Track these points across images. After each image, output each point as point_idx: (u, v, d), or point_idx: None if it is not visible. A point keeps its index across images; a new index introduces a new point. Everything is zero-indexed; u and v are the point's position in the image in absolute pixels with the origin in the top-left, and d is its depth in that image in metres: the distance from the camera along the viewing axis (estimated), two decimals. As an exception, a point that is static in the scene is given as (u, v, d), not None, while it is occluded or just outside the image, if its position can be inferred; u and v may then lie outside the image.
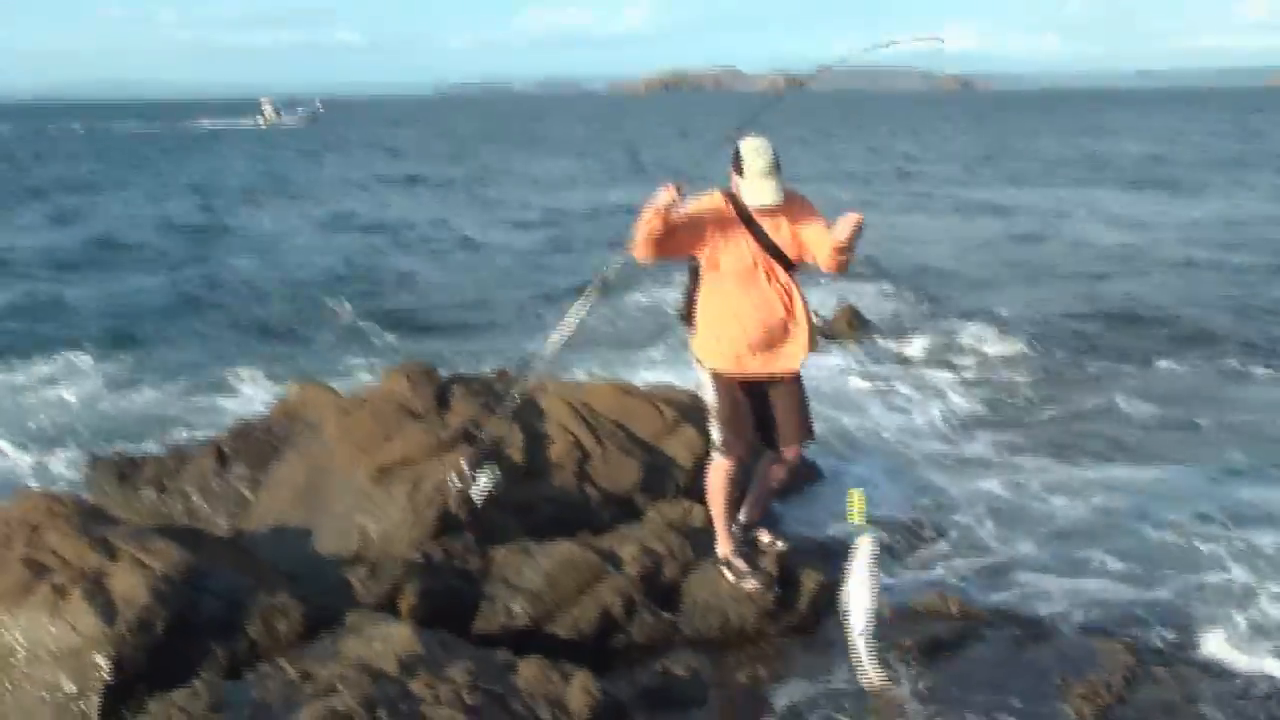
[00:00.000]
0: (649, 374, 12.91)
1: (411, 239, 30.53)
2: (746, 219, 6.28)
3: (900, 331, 17.02)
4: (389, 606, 6.64)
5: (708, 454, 8.43)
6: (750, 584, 6.82)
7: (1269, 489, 9.75)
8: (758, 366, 6.49)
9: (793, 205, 6.27)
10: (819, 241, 6.18)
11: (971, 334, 16.51)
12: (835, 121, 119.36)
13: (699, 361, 6.65)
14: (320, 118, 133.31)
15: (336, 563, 7.27)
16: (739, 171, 6.16)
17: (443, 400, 8.49)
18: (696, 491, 8.25)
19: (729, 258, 6.31)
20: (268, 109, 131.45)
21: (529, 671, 5.59)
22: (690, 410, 9.13)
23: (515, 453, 8.11)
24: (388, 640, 5.72)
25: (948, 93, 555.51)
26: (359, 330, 18.34)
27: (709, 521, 7.11)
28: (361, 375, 14.12)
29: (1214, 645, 6.87)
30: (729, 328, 6.44)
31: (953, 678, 6.18)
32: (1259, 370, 14.30)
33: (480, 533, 7.41)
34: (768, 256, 6.30)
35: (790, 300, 6.41)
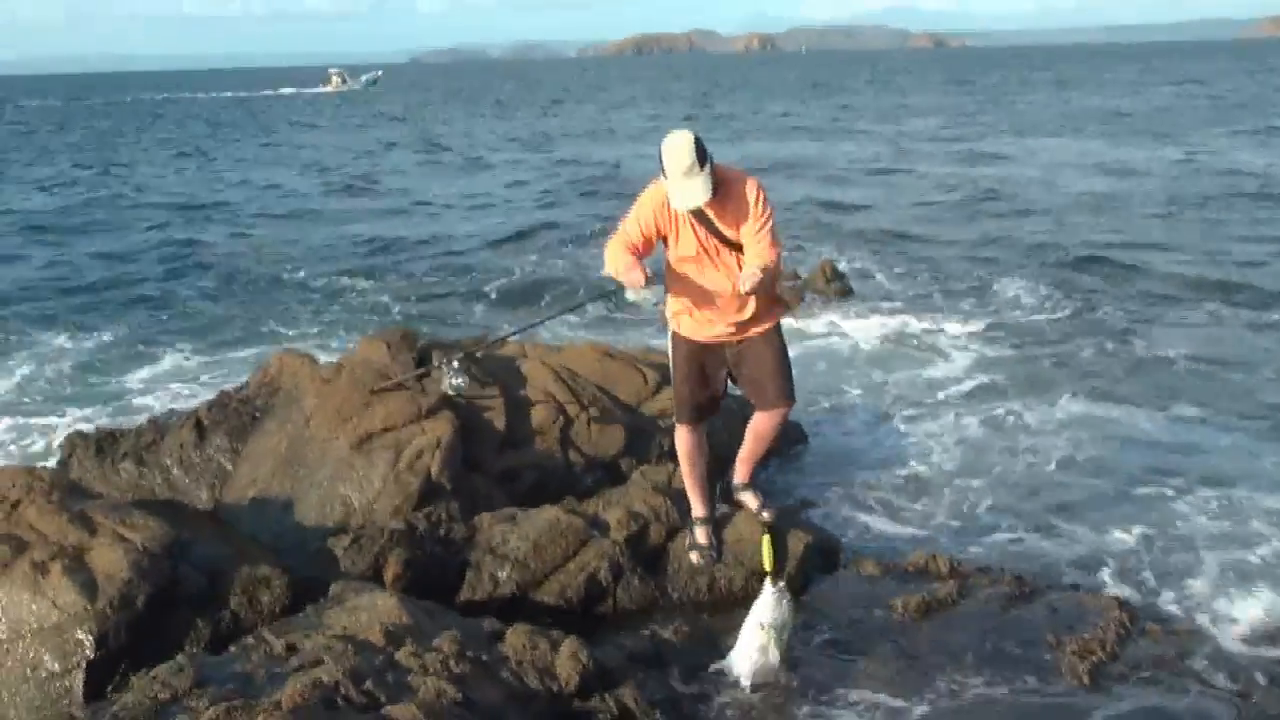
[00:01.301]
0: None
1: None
2: (692, 210, 6.15)
3: (882, 287, 17.03)
4: (373, 577, 6.58)
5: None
6: (694, 554, 6.81)
7: (1260, 444, 9.73)
8: (721, 332, 6.46)
9: (731, 196, 6.10)
10: (747, 258, 6.16)
11: (956, 290, 16.51)
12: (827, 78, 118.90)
13: (666, 323, 6.66)
14: (381, 82, 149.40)
15: (319, 533, 7.21)
16: (664, 172, 6.00)
17: (422, 366, 8.40)
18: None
19: (678, 246, 6.26)
20: (335, 78, 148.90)
21: (516, 639, 5.53)
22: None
23: (497, 419, 8.04)
24: (373, 610, 5.66)
25: (921, 50, 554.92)
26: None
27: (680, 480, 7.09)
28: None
29: (1205, 601, 6.88)
30: (685, 298, 6.41)
31: (945, 637, 6.15)
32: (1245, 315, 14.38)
33: (464, 500, 7.36)
34: (714, 240, 6.20)
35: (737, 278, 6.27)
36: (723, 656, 5.91)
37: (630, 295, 6.12)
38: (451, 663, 5.22)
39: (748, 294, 6.07)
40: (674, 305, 6.51)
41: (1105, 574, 7.27)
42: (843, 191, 29.26)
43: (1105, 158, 34.53)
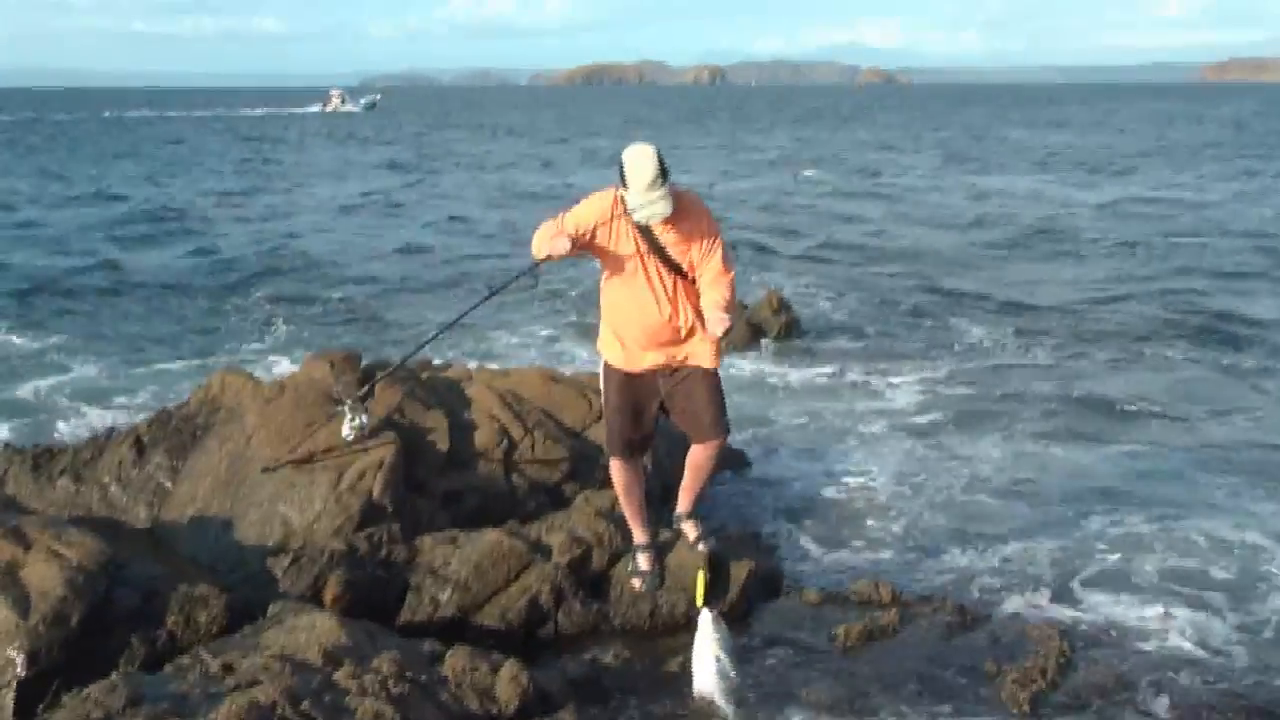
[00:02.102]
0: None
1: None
2: (639, 225, 6.05)
3: (829, 318, 17.11)
4: (313, 598, 6.50)
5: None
6: (635, 580, 6.77)
7: (1201, 476, 9.84)
8: (651, 361, 6.36)
9: (687, 217, 6.04)
10: (703, 288, 6.10)
11: (904, 323, 16.61)
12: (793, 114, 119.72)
13: (599, 351, 6.61)
14: (379, 105, 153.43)
15: (259, 553, 7.12)
16: (624, 183, 5.91)
17: (366, 386, 8.33)
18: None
19: (616, 260, 6.17)
20: (335, 99, 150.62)
21: (456, 661, 5.50)
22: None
23: (441, 441, 8.00)
24: (311, 631, 5.61)
25: (870, 86, 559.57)
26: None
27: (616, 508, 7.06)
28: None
29: (1146, 630, 6.92)
30: (617, 323, 6.36)
31: (887, 665, 6.16)
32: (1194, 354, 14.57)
33: (406, 522, 7.30)
34: (656, 259, 6.11)
35: (681, 306, 6.21)
36: (663, 683, 5.90)
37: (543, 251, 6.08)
38: (390, 684, 5.18)
39: (716, 336, 5.99)
40: (605, 332, 6.46)
41: (1045, 602, 7.30)
42: (792, 220, 29.51)
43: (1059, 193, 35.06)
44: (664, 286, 6.15)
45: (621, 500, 6.76)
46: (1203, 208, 31.68)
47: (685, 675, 6.03)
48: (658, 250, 6.06)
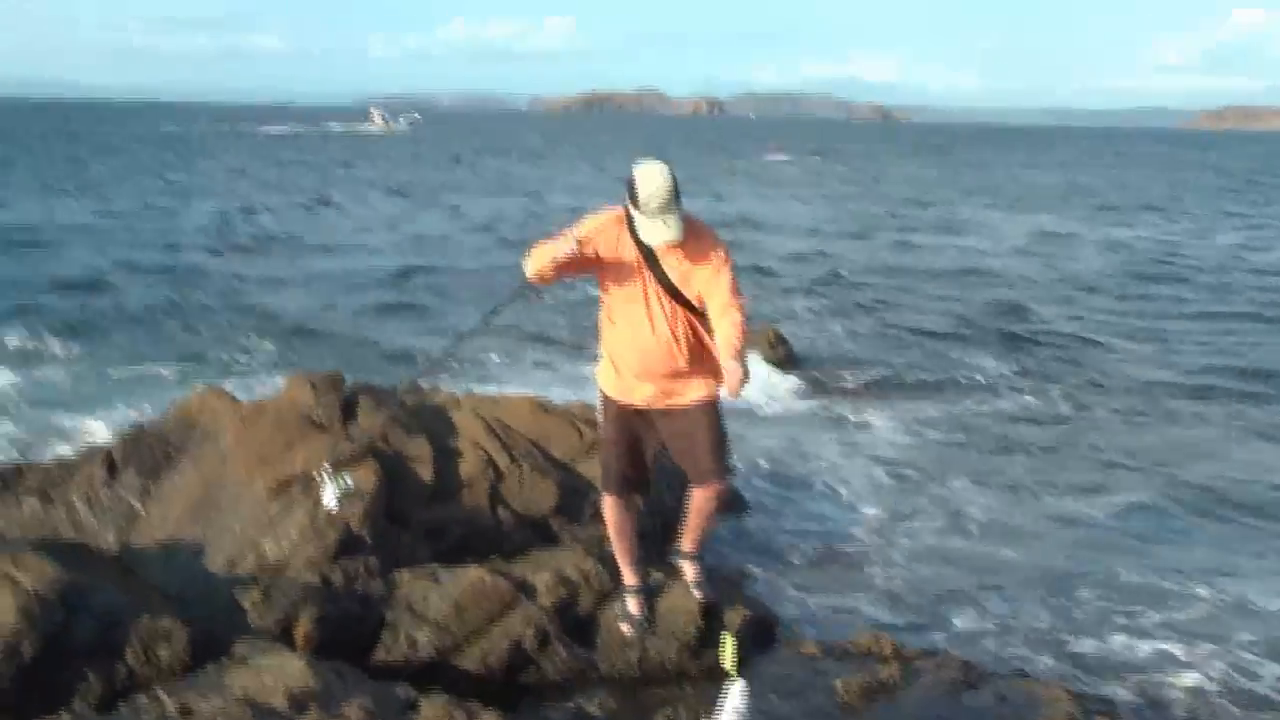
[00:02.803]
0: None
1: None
2: (644, 247, 5.68)
3: (828, 354, 16.83)
4: (283, 633, 6.17)
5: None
6: (624, 625, 6.41)
7: (1199, 529, 9.56)
8: (648, 397, 5.94)
9: (694, 243, 5.64)
10: (713, 320, 5.65)
11: (906, 362, 16.30)
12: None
13: (596, 380, 6.22)
14: (418, 125, 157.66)
15: (229, 584, 6.78)
16: (633, 201, 5.53)
17: (349, 411, 8.01)
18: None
19: (616, 284, 5.79)
20: (376, 117, 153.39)
21: (431, 711, 5.17)
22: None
23: (424, 470, 7.67)
24: (278, 672, 5.27)
25: (867, 122, 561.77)
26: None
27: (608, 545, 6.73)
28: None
29: (1153, 689, 6.63)
30: (614, 349, 5.98)
31: (885, 721, 5.81)
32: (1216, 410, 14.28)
33: (385, 555, 6.97)
34: (657, 284, 5.71)
35: (682, 337, 5.79)
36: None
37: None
38: (360, 733, 4.84)
39: (736, 388, 5.41)
40: (603, 359, 6.09)
41: (1052, 660, 7.01)
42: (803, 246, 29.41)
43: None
44: (663, 313, 5.74)
45: (612, 539, 6.39)
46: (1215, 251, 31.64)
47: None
48: (660, 275, 5.68)
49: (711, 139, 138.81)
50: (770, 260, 27.06)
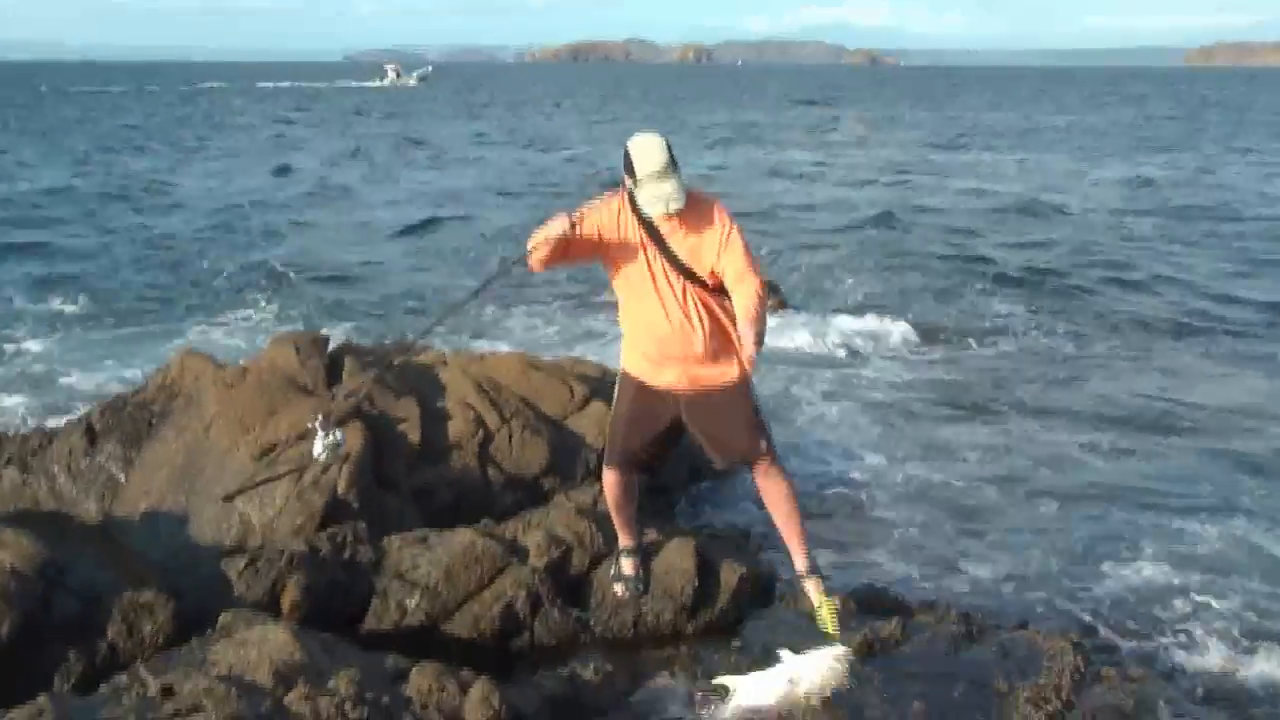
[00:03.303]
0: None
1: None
2: (646, 225, 5.47)
3: (831, 297, 16.70)
4: (270, 603, 6.00)
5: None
6: (618, 586, 6.25)
7: (1216, 475, 9.42)
8: (672, 381, 5.73)
9: (698, 215, 5.43)
10: (730, 291, 5.41)
11: (908, 303, 16.16)
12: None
13: (621, 362, 6.01)
14: (430, 78, 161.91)
15: (214, 554, 6.62)
16: (630, 174, 5.35)
17: (333, 372, 7.85)
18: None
19: (624, 267, 5.58)
20: (390, 71, 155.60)
21: (421, 680, 5.00)
22: (601, 385, 8.59)
23: (412, 432, 7.51)
24: (263, 645, 5.09)
25: (856, 67, 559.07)
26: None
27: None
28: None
29: (1161, 642, 6.53)
30: (633, 335, 5.78)
31: (889, 681, 5.63)
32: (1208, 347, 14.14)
33: (373, 520, 6.81)
34: (665, 262, 5.49)
35: (697, 317, 5.55)
36: (647, 701, 5.43)
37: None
38: (348, 707, 4.69)
39: (751, 358, 5.24)
40: (625, 342, 5.88)
41: (1055, 610, 6.90)
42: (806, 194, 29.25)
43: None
44: (674, 293, 5.51)
45: (610, 509, 6.20)
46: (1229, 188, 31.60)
47: (671, 691, 5.57)
48: (666, 253, 5.46)
49: (717, 90, 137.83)
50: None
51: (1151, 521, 8.31)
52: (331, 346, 8.46)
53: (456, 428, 7.71)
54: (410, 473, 7.39)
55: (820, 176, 35.85)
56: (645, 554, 6.36)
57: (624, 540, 6.33)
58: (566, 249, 5.48)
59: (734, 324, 5.46)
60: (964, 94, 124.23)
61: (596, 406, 8.17)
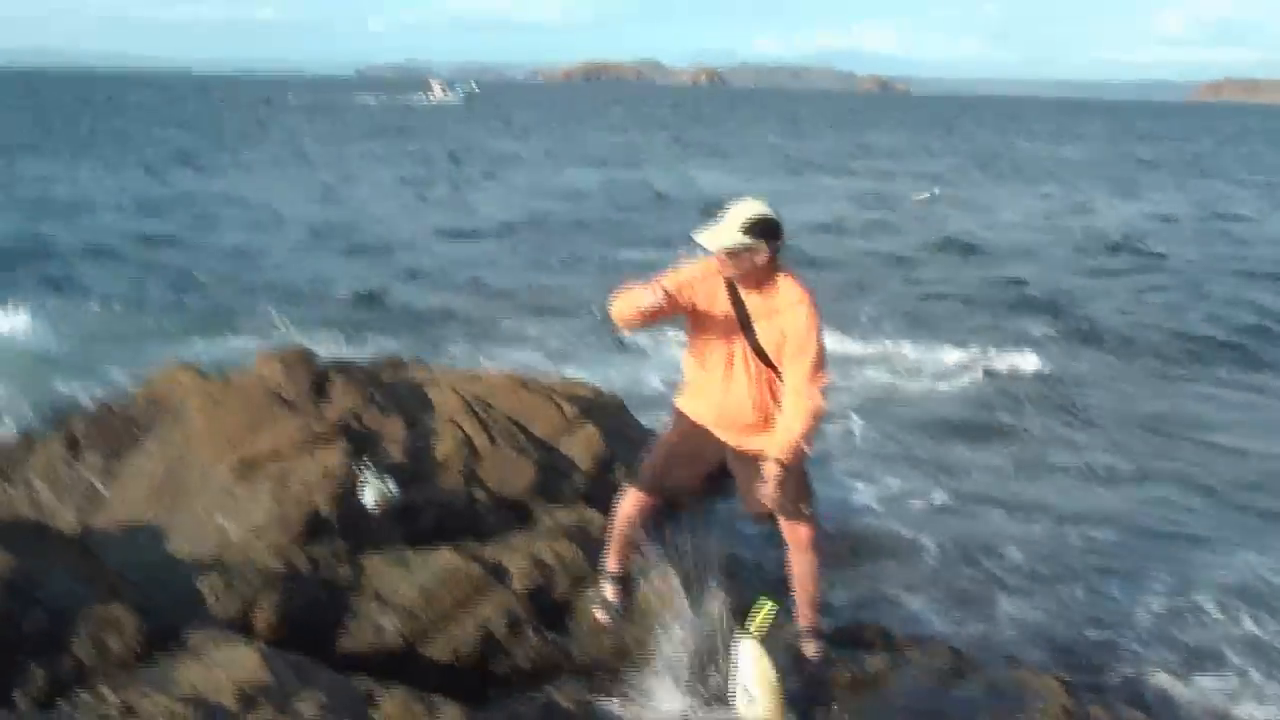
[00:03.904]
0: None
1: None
2: (737, 303, 5.42)
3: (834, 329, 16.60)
4: (244, 622, 5.88)
5: (610, 460, 7.79)
6: (599, 612, 6.09)
7: (1213, 517, 9.28)
8: (724, 437, 5.69)
9: (793, 315, 5.35)
10: (785, 394, 5.41)
11: (914, 341, 16.04)
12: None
13: (676, 401, 5.92)
14: (476, 97, 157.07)
15: (191, 569, 6.49)
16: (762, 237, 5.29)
17: (320, 389, 7.73)
18: (595, 497, 7.61)
19: (707, 336, 5.53)
20: (436, 88, 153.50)
21: (390, 706, 4.87)
22: (593, 406, 8.48)
23: (396, 449, 7.38)
24: (230, 666, 4.97)
25: (866, 94, 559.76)
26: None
27: (606, 530, 6.43)
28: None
29: (1150, 681, 6.40)
30: (696, 394, 5.71)
31: (874, 714, 5.53)
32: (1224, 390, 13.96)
33: (354, 539, 6.69)
34: (749, 349, 5.45)
35: (763, 397, 5.51)
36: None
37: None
38: (313, 732, 4.56)
39: (770, 490, 5.25)
40: (688, 386, 5.80)
41: (1046, 648, 6.76)
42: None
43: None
44: (747, 375, 5.48)
45: (615, 526, 6.06)
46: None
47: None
48: (751, 339, 5.41)
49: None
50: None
51: (1153, 556, 8.25)
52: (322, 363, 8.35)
53: (444, 447, 7.59)
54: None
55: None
56: (629, 579, 6.23)
57: (611, 565, 6.18)
58: (655, 317, 5.38)
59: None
60: (993, 123, 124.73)
61: (586, 428, 8.05)
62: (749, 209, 5.29)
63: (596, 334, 15.26)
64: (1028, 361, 14.63)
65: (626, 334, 5.37)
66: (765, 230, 5.25)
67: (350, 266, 21.62)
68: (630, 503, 5.94)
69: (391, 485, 6.39)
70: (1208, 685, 6.49)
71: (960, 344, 15.43)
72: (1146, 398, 12.98)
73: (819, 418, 5.38)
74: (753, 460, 5.55)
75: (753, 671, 5.32)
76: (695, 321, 5.53)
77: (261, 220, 28.07)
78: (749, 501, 5.76)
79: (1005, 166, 56.32)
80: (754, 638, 5.41)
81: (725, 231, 5.24)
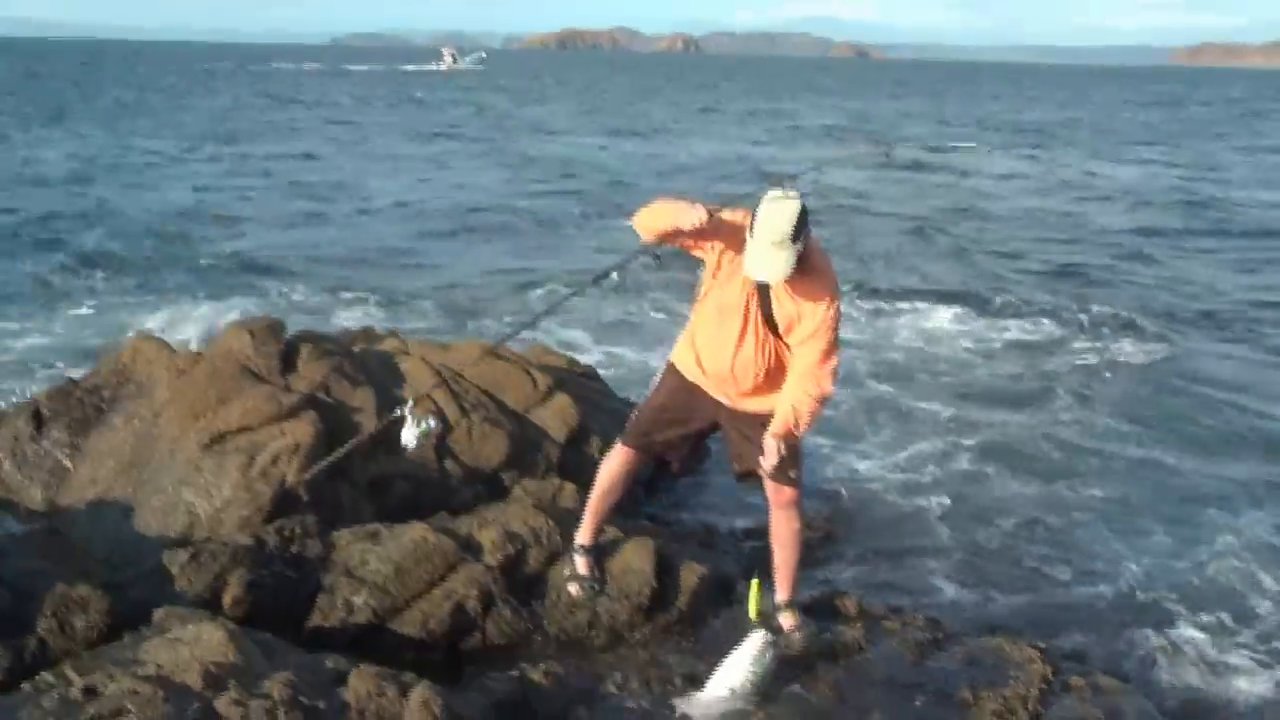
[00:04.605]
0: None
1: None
2: None
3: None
4: (212, 599, 5.78)
5: (584, 431, 7.72)
6: (573, 586, 6.02)
7: (1187, 485, 9.27)
8: (718, 394, 5.63)
9: (812, 295, 5.23)
10: (791, 375, 5.36)
11: (898, 308, 16.00)
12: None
13: (672, 354, 5.85)
14: (486, 62, 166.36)
15: (158, 545, 6.40)
16: (749, 229, 5.09)
17: (289, 360, 7.62)
18: (568, 467, 7.55)
19: (723, 288, 5.41)
20: (447, 55, 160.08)
21: (360, 684, 4.77)
22: (565, 377, 8.41)
23: (367, 421, 7.28)
24: (196, 644, 4.88)
25: (844, 61, 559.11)
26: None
27: (584, 503, 6.36)
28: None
29: (1136, 654, 6.35)
30: (698, 347, 5.60)
31: (851, 689, 5.46)
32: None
33: (325, 513, 6.60)
34: (761, 318, 5.34)
35: (767, 363, 5.43)
36: (598, 704, 5.26)
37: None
38: (281, 712, 4.47)
39: (769, 465, 5.22)
40: (685, 339, 5.72)
41: (1026, 619, 6.72)
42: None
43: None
44: (756, 340, 5.39)
45: (595, 493, 5.99)
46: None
47: (625, 694, 5.38)
48: (765, 309, 5.31)
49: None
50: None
51: (1144, 523, 8.20)
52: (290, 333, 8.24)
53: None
54: (365, 464, 7.16)
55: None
56: (602, 552, 6.16)
57: (583, 537, 6.13)
58: (681, 237, 5.28)
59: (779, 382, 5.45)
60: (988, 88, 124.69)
61: (559, 399, 7.98)
62: (784, 214, 5.01)
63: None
64: (1046, 328, 14.64)
65: (647, 240, 5.16)
66: (805, 225, 5.07)
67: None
68: (618, 461, 5.90)
69: (430, 421, 6.28)
70: (1188, 654, 6.45)
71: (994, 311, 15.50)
72: (1169, 363, 12.91)
73: (824, 402, 5.34)
74: (747, 421, 5.53)
75: (750, 662, 5.25)
76: (716, 269, 5.41)
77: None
78: (738, 461, 5.74)
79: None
80: (762, 629, 5.35)
81: (779, 256, 5.00)
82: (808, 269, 5.14)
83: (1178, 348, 13.77)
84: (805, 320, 5.26)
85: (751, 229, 5.07)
